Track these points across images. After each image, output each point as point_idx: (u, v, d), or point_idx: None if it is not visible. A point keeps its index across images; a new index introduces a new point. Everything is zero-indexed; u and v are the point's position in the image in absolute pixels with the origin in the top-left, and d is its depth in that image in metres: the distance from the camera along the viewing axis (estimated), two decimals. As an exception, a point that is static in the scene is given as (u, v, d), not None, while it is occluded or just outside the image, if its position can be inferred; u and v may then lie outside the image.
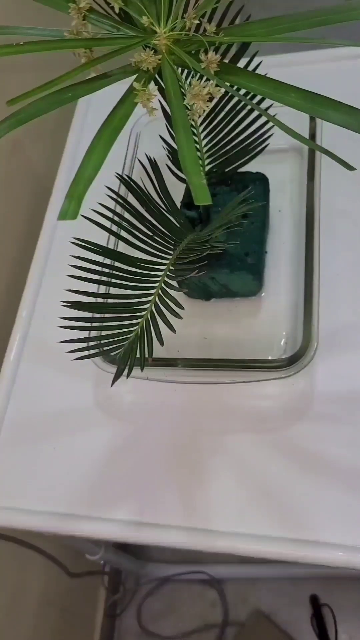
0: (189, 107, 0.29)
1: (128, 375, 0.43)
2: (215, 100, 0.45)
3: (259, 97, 0.43)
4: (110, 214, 0.46)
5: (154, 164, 0.48)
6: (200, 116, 0.30)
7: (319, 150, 0.29)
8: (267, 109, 0.51)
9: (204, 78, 0.30)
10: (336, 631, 1.06)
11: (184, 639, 1.13)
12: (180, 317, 0.42)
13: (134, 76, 0.30)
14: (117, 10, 0.31)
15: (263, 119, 0.52)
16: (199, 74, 0.30)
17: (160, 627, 1.15)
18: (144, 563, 1.17)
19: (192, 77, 0.29)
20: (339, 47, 0.59)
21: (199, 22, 0.30)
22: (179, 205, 0.55)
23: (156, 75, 0.31)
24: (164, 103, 0.49)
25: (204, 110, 0.29)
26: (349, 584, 1.11)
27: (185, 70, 0.32)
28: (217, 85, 0.29)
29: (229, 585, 1.16)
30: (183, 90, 0.30)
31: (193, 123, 0.39)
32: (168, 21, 0.30)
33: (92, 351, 0.44)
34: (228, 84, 0.29)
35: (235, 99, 0.49)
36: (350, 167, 0.27)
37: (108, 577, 1.16)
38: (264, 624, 1.10)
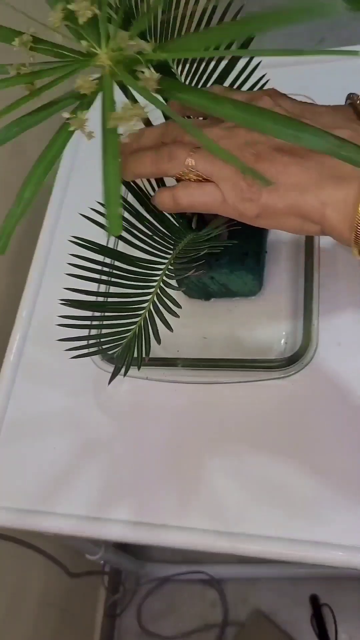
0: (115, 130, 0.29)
1: (125, 374, 0.43)
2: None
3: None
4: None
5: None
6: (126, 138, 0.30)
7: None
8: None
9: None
10: (336, 631, 1.06)
11: (184, 639, 1.13)
12: (178, 316, 0.42)
13: (78, 102, 0.30)
14: (59, 40, 0.32)
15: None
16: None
17: (160, 627, 1.15)
18: (144, 563, 1.17)
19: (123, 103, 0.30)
20: (341, 48, 0.59)
21: (134, 42, 0.29)
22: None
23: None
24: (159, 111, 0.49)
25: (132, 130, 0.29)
26: (349, 584, 1.11)
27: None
28: (144, 107, 0.29)
29: (229, 585, 1.16)
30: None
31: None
32: (108, 42, 0.30)
33: (91, 349, 0.44)
34: (163, 102, 0.29)
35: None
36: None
37: (108, 577, 1.16)
38: (264, 624, 1.10)
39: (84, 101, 0.30)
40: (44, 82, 0.31)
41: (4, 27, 0.31)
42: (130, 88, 0.30)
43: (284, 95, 0.38)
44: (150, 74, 0.29)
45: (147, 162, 0.38)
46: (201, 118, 0.42)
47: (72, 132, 0.29)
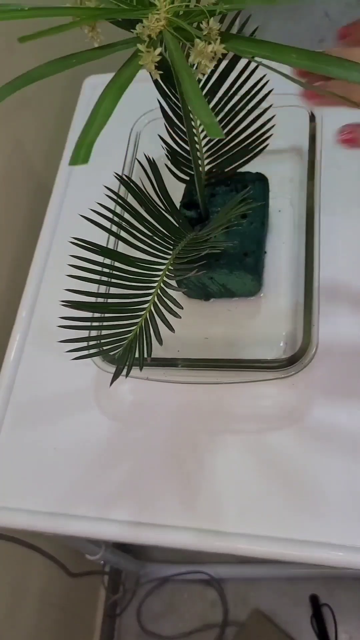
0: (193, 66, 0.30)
1: (127, 375, 0.43)
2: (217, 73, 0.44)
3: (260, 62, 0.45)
4: (109, 214, 0.46)
5: (153, 164, 0.48)
6: (204, 75, 0.30)
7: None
8: (267, 109, 0.51)
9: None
10: (336, 631, 1.06)
11: (184, 639, 1.13)
12: (179, 317, 0.42)
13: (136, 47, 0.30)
14: None
15: (263, 119, 0.52)
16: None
17: (160, 627, 1.15)
18: (144, 563, 1.17)
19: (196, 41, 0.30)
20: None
21: None
22: (178, 205, 0.55)
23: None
24: (162, 102, 0.49)
25: (208, 68, 0.30)
26: (349, 584, 1.11)
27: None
28: (221, 43, 0.30)
29: (229, 585, 1.16)
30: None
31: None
32: None
33: (92, 351, 0.44)
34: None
35: (236, 98, 0.50)
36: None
37: (108, 577, 1.16)
38: (264, 624, 1.10)
39: (148, 44, 0.30)
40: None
41: None
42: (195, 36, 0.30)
43: None
44: (212, 23, 0.30)
45: None
46: None
47: (140, 67, 0.30)
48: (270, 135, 0.53)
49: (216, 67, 0.47)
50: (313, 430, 0.50)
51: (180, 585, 1.18)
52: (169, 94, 0.47)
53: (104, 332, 0.44)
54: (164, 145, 0.52)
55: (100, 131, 0.27)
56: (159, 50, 0.30)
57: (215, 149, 0.53)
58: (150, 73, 0.31)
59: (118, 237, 0.48)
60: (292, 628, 1.10)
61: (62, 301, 0.42)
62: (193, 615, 1.16)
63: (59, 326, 0.42)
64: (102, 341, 0.44)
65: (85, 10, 0.31)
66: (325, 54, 0.29)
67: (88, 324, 0.44)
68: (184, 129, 0.49)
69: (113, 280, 0.44)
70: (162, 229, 0.47)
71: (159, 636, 1.14)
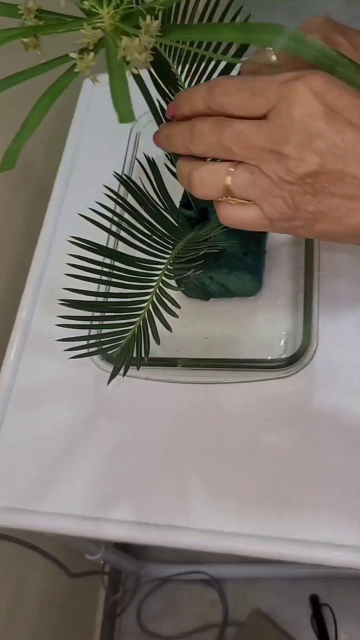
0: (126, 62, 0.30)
1: (124, 374, 0.43)
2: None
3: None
4: (109, 214, 0.46)
5: (152, 163, 0.48)
6: (137, 69, 0.31)
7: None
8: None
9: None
10: (336, 631, 1.06)
11: (184, 639, 1.13)
12: (177, 316, 0.42)
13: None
14: (62, 5, 0.32)
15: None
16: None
17: (160, 627, 1.15)
18: (144, 563, 1.17)
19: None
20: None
21: None
22: (177, 204, 0.55)
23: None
24: (162, 102, 0.49)
25: (141, 61, 0.30)
26: (349, 584, 1.11)
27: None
28: (151, 36, 0.30)
29: (229, 585, 1.16)
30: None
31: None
32: (110, 1, 0.31)
33: (91, 349, 0.44)
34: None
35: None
36: None
37: (108, 577, 1.16)
38: (264, 624, 1.10)
39: (87, 52, 0.30)
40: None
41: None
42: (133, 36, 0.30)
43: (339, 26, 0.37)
44: (150, 21, 0.30)
45: (182, 162, 0.35)
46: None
47: (76, 73, 0.30)
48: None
49: (215, 67, 0.47)
50: (313, 430, 0.50)
51: (180, 585, 1.18)
52: (168, 93, 0.47)
53: (103, 331, 0.44)
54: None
55: (26, 140, 0.28)
56: (92, 55, 0.30)
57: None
58: (89, 78, 0.31)
59: (117, 236, 0.48)
60: (292, 628, 1.10)
61: (61, 300, 0.42)
62: (193, 615, 1.15)
63: (57, 325, 0.42)
64: (101, 340, 0.44)
65: (27, 29, 0.31)
66: (258, 23, 0.28)
67: (87, 322, 0.44)
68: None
69: (112, 280, 0.44)
70: (161, 229, 0.47)
71: (159, 636, 1.14)
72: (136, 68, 0.30)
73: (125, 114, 0.26)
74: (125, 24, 0.30)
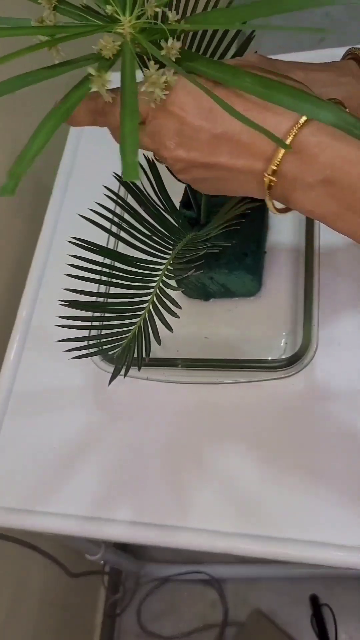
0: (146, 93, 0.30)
1: (125, 375, 0.43)
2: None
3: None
4: (109, 215, 0.46)
5: (152, 164, 0.48)
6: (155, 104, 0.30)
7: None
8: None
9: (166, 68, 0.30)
10: (336, 631, 1.06)
11: (184, 639, 1.13)
12: (177, 316, 0.42)
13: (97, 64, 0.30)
14: (84, 1, 0.32)
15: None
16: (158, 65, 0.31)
17: (160, 627, 1.15)
18: (144, 563, 1.17)
19: (151, 66, 0.30)
20: (341, 47, 0.59)
21: (161, 10, 0.30)
22: (177, 205, 0.55)
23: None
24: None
25: (161, 99, 0.30)
26: (349, 584, 1.11)
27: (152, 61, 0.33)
28: (174, 74, 0.30)
29: (229, 585, 1.16)
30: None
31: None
32: (134, 10, 0.31)
33: (91, 350, 0.44)
34: (185, 71, 0.30)
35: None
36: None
37: (108, 577, 1.16)
38: (264, 624, 1.10)
39: (103, 63, 0.30)
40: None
41: None
42: (151, 55, 0.30)
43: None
44: (172, 43, 0.30)
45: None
46: None
47: (89, 89, 0.30)
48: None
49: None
50: (313, 429, 0.50)
51: (180, 585, 1.18)
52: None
53: (104, 331, 0.44)
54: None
55: (30, 165, 0.27)
56: (109, 74, 0.29)
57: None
58: (102, 95, 0.31)
59: (117, 237, 0.48)
60: (292, 628, 1.10)
61: (61, 300, 0.42)
62: (193, 615, 1.15)
63: (58, 325, 0.42)
64: (102, 340, 0.44)
65: (47, 29, 0.31)
66: (277, 82, 0.29)
67: (87, 323, 0.44)
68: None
69: (112, 280, 0.44)
70: (161, 229, 0.47)
71: (159, 636, 1.14)
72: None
73: (130, 168, 0.25)
74: (144, 34, 0.30)
